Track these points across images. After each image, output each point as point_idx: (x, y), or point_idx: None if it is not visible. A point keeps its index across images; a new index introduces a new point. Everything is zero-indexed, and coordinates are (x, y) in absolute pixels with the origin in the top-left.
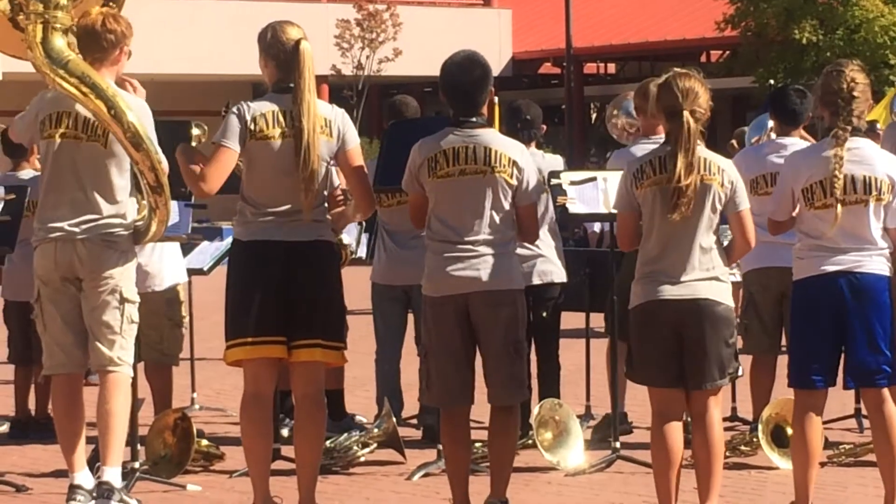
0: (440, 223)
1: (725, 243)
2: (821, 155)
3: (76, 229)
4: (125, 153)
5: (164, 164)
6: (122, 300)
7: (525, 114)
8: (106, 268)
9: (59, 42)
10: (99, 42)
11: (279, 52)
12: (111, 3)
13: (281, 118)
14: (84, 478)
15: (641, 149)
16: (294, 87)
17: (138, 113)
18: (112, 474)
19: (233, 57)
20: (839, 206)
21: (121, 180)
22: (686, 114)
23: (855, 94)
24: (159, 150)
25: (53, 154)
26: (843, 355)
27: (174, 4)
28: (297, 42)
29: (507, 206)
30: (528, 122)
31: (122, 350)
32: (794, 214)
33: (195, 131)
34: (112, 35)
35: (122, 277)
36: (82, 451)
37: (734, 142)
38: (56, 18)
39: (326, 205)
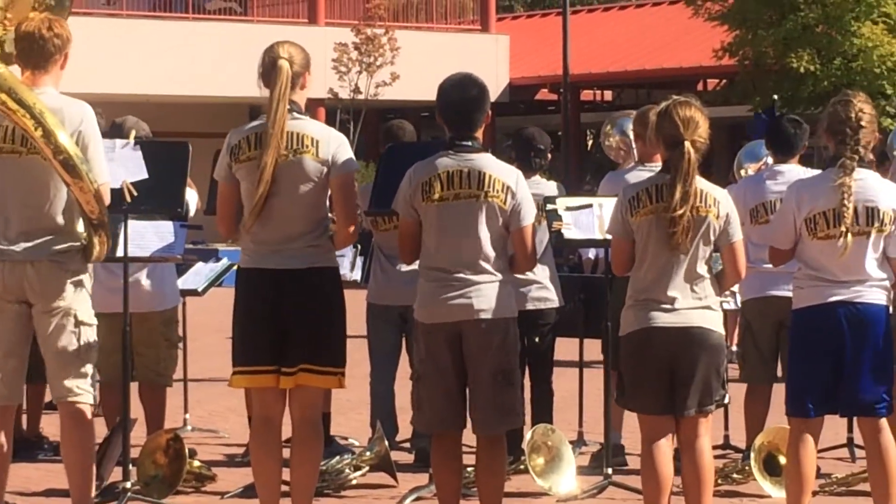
0: (434, 249)
1: (716, 271)
2: (826, 185)
3: (22, 250)
4: None
5: (106, 191)
6: (78, 323)
7: (539, 143)
8: (58, 290)
9: None
10: (45, 47)
11: (264, 73)
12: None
13: (263, 139)
14: None
15: (636, 176)
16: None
17: (83, 125)
18: None
19: (230, 79)
20: (849, 235)
21: (66, 195)
22: (687, 144)
23: (862, 123)
24: (101, 171)
25: None
26: (839, 384)
27: (171, 26)
28: (276, 61)
29: (500, 232)
30: (542, 151)
31: (80, 378)
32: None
33: None
34: (58, 40)
35: (76, 299)
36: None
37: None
38: None
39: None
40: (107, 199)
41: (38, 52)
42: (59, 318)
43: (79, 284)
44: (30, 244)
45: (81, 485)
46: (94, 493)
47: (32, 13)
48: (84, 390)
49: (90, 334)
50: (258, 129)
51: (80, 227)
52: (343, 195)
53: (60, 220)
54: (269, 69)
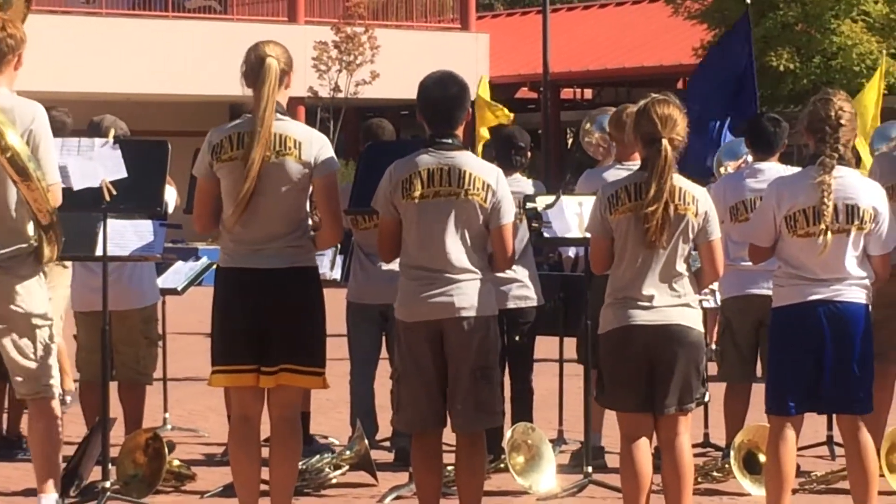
0: (414, 247)
1: (694, 269)
2: (806, 182)
3: None
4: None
5: (57, 190)
6: (32, 327)
7: (519, 141)
8: (8, 297)
9: None
10: None
11: (249, 72)
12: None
13: (246, 139)
14: None
15: (614, 174)
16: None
17: (34, 125)
18: (49, 501)
19: (210, 77)
20: (829, 233)
21: (16, 195)
22: (665, 142)
23: (842, 122)
24: (52, 171)
25: None
26: (820, 383)
27: (150, 24)
28: (263, 59)
29: (480, 230)
30: (522, 149)
31: (42, 375)
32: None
33: None
34: (11, 40)
35: (28, 302)
36: None
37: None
38: None
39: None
40: (57, 200)
41: None
42: (13, 322)
43: (30, 288)
44: None
45: (46, 475)
46: (58, 484)
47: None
48: (48, 385)
49: (46, 332)
50: (241, 128)
51: (31, 229)
52: (326, 196)
53: (9, 222)
54: (255, 68)
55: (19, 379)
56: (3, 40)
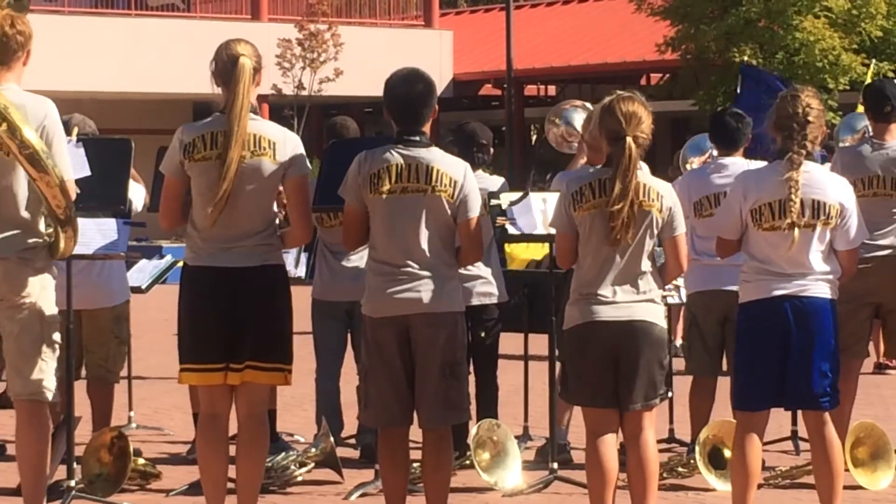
0: (381, 243)
1: (658, 264)
2: (773, 177)
3: None
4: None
5: (72, 186)
6: (43, 320)
7: (481, 138)
8: (24, 287)
9: None
10: (8, 45)
11: (221, 70)
12: (8, 6)
13: (220, 139)
14: None
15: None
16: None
17: (47, 121)
18: None
19: (174, 75)
20: (796, 229)
21: (27, 191)
22: (629, 139)
23: (810, 118)
24: (66, 166)
25: None
26: (785, 378)
27: (113, 22)
28: (236, 58)
29: (448, 225)
30: (484, 146)
31: (43, 375)
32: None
33: None
34: (21, 36)
35: (41, 297)
36: None
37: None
38: None
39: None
40: (72, 194)
41: (1, 50)
42: (26, 315)
43: (44, 281)
44: None
45: (34, 482)
46: (43, 495)
47: None
48: (46, 388)
49: (54, 331)
50: (213, 126)
51: (42, 224)
52: (298, 197)
53: (25, 216)
54: (227, 67)
55: (19, 375)
56: (12, 37)
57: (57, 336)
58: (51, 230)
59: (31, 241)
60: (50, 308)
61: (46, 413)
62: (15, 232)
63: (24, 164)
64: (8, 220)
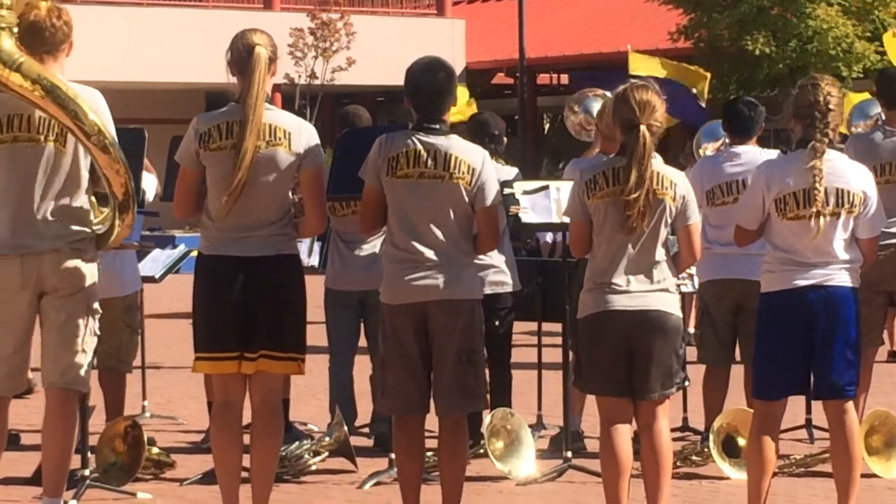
0: (398, 230)
1: (672, 253)
2: (796, 166)
3: (43, 239)
4: (78, 151)
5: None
6: (90, 311)
7: (494, 128)
8: (77, 278)
9: (7, 42)
10: (54, 36)
11: (237, 60)
12: None
13: (235, 129)
14: None
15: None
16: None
17: (99, 111)
18: None
19: (186, 65)
20: (821, 218)
21: (83, 182)
22: (643, 128)
23: (831, 107)
24: (121, 152)
25: (7, 160)
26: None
27: (128, 12)
28: (252, 48)
29: (465, 212)
30: (496, 136)
31: (80, 366)
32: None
33: None
34: (66, 27)
35: (90, 288)
36: None
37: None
38: (2, 18)
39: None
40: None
41: (49, 41)
42: (75, 305)
43: (93, 271)
44: (50, 233)
45: (57, 473)
46: (63, 486)
47: (34, 0)
48: (83, 378)
49: (96, 323)
50: (229, 116)
51: (92, 216)
52: (313, 187)
53: (76, 206)
54: (244, 57)
55: (57, 364)
56: (59, 28)
57: (96, 325)
58: (98, 221)
59: (81, 231)
60: (95, 299)
61: (76, 404)
62: (70, 225)
63: (92, 151)
64: (60, 211)
